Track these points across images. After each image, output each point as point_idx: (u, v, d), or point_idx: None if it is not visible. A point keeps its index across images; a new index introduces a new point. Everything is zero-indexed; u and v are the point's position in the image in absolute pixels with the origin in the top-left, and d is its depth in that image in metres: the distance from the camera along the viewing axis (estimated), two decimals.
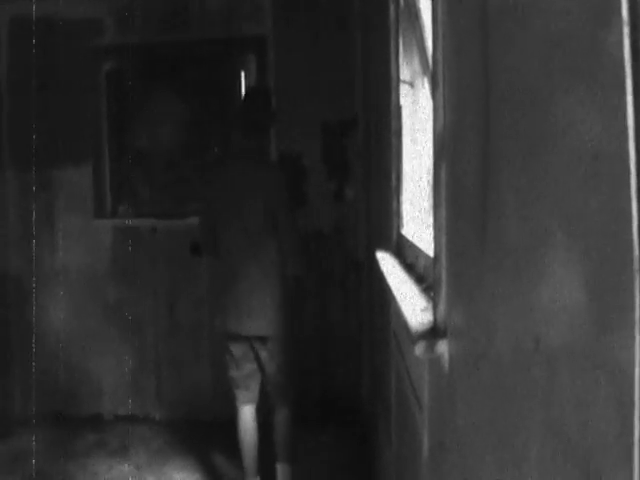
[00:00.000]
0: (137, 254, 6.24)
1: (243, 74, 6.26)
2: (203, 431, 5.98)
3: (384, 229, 3.76)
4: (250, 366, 4.59)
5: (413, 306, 1.97)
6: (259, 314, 4.42)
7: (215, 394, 6.11)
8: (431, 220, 1.84)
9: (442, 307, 1.70)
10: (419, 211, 3.11)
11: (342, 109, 5.97)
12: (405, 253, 2.96)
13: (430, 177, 1.92)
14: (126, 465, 5.46)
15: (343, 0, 5.95)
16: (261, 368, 4.60)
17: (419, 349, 1.65)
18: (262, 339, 4.47)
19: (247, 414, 4.63)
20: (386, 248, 3.45)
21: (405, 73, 3.27)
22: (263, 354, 4.52)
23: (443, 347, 1.66)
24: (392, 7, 3.33)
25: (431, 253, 2.25)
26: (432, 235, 1.83)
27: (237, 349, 4.56)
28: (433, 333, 1.70)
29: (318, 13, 5.98)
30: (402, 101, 3.26)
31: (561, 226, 0.85)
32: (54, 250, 6.32)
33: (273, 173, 4.63)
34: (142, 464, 5.47)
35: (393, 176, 3.27)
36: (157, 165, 6.41)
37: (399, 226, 3.22)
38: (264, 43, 6.03)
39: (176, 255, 6.14)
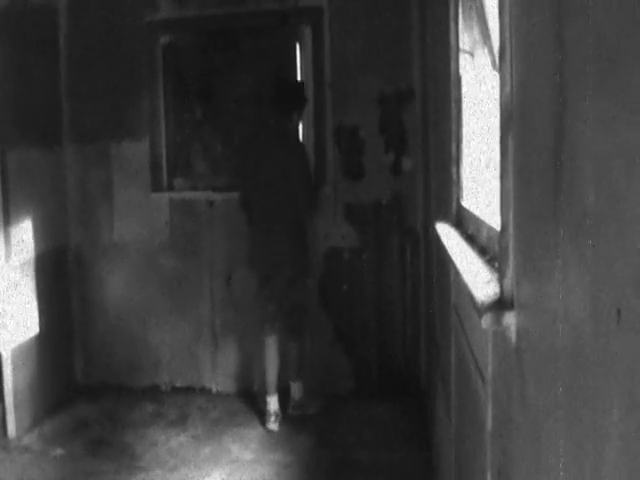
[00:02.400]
0: (194, 227, 6.27)
1: (298, 46, 6.22)
2: (259, 402, 6.01)
3: (443, 200, 3.71)
4: (274, 305, 5.66)
5: (477, 278, 1.94)
6: (280, 261, 5.57)
7: (266, 378, 6.13)
8: (497, 189, 1.80)
9: (509, 278, 1.67)
10: (479, 181, 3.06)
11: (399, 80, 5.91)
12: (466, 224, 2.92)
13: (495, 146, 1.87)
14: (183, 435, 5.52)
15: None
16: (280, 307, 5.69)
17: (485, 321, 1.62)
18: (284, 280, 5.62)
19: (271, 344, 5.71)
20: (446, 219, 3.41)
21: (465, 42, 3.21)
22: (282, 294, 5.64)
23: (510, 319, 1.63)
24: None
25: (494, 224, 2.23)
26: (498, 204, 1.79)
27: (266, 288, 5.65)
28: (500, 305, 1.67)
29: None
30: (462, 70, 3.21)
31: None
32: (112, 223, 6.38)
33: (297, 150, 5.58)
34: (199, 435, 5.52)
35: (453, 146, 3.22)
36: (214, 139, 6.41)
37: (459, 197, 3.18)
38: (320, 14, 5.98)
39: (233, 228, 6.14)
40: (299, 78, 6.15)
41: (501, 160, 1.73)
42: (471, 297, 1.80)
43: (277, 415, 5.64)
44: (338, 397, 6.05)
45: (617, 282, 0.93)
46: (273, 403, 5.66)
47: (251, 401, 6.12)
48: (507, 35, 1.66)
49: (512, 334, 1.63)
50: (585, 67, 1.08)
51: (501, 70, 1.71)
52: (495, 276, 1.91)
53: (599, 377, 1.02)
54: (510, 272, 1.67)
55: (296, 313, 5.74)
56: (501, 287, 1.71)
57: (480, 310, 1.64)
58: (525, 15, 1.52)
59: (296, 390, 5.81)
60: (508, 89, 1.66)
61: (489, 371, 1.99)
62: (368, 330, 6.15)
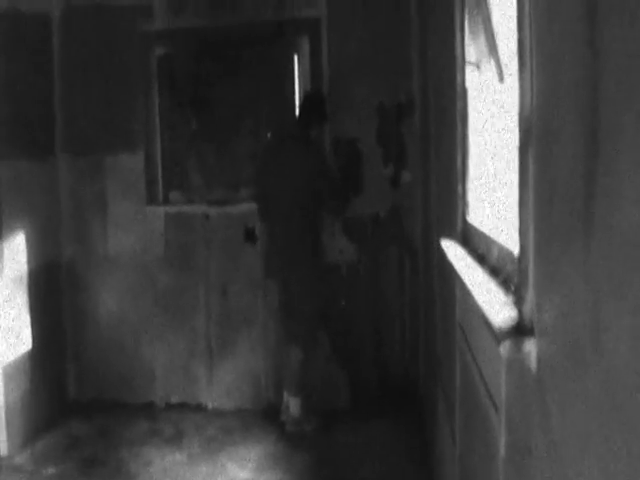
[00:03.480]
0: (190, 241, 6.19)
1: (296, 57, 6.15)
2: (256, 419, 5.91)
3: (447, 215, 3.62)
4: (292, 313, 5.67)
5: (491, 300, 1.84)
6: (290, 269, 5.60)
7: (268, 381, 6.04)
8: (506, 204, 1.71)
9: (529, 302, 1.58)
10: (486, 196, 2.97)
11: (398, 91, 5.85)
12: (473, 242, 2.83)
13: (503, 160, 1.79)
14: (179, 454, 5.41)
15: None
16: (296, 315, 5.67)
17: (504, 349, 1.53)
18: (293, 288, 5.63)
19: (292, 351, 5.67)
20: (450, 235, 3.32)
21: (471, 54, 3.13)
22: (287, 298, 5.68)
23: (531, 346, 1.54)
24: None
25: (504, 242, 2.14)
26: (516, 223, 1.70)
27: (281, 297, 5.76)
28: (519, 331, 1.58)
29: None
30: (468, 83, 3.12)
31: None
32: (106, 236, 6.30)
33: (313, 158, 5.51)
34: (195, 453, 5.42)
35: (458, 160, 3.14)
36: (209, 151, 6.33)
37: (464, 212, 3.09)
38: (318, 25, 5.91)
39: (229, 241, 6.08)
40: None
41: (520, 177, 1.64)
42: (487, 321, 1.71)
43: (296, 419, 5.69)
44: (336, 413, 5.95)
45: None
46: (294, 406, 5.69)
47: (247, 418, 6.01)
48: (527, 43, 1.57)
49: (532, 362, 1.54)
50: (624, 76, 0.99)
51: (520, 81, 1.62)
52: (511, 299, 1.82)
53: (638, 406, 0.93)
54: (530, 296, 1.58)
55: (297, 316, 5.66)
56: (520, 312, 1.62)
57: (499, 336, 1.55)
58: (549, 22, 1.43)
59: (294, 406, 5.70)
60: (528, 101, 1.57)
61: (503, 398, 1.90)
62: (366, 345, 6.09)
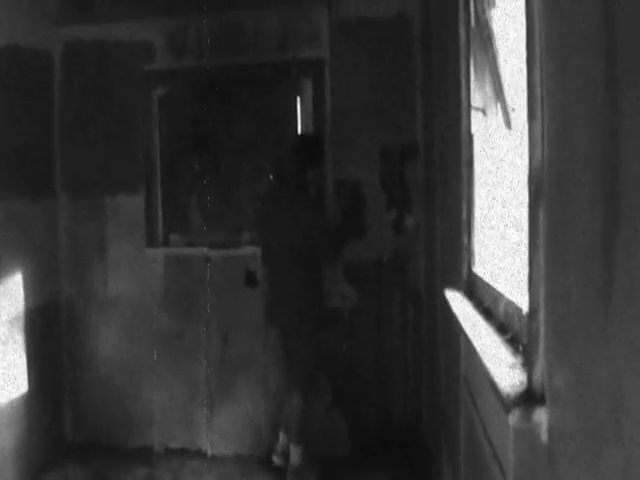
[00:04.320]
0: (190, 284, 6.09)
1: (299, 99, 6.10)
2: (256, 466, 5.78)
3: (451, 264, 3.53)
4: (295, 360, 5.53)
5: (498, 361, 1.74)
6: (298, 314, 5.43)
7: (268, 428, 5.92)
8: (524, 265, 1.61)
9: (539, 367, 1.48)
10: (494, 248, 2.88)
11: (402, 134, 5.78)
12: (479, 294, 2.73)
13: (521, 213, 1.70)
14: None
15: (403, 22, 5.77)
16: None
17: (513, 418, 1.43)
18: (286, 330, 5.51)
19: (295, 398, 5.52)
20: (455, 286, 3.22)
21: (477, 99, 3.05)
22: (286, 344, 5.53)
23: (542, 416, 1.43)
24: (463, 28, 3.12)
25: (515, 298, 2.04)
26: (526, 283, 1.60)
27: (286, 344, 5.56)
28: (528, 398, 1.47)
29: (377, 36, 5.80)
30: (473, 129, 3.04)
31: None
32: (105, 278, 6.21)
33: (313, 204, 5.53)
34: None
35: (463, 208, 3.05)
36: (211, 193, 6.27)
37: (470, 263, 2.99)
38: (321, 66, 5.86)
39: (230, 285, 5.99)
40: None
41: (530, 235, 1.55)
42: (494, 385, 1.61)
43: (285, 453, 5.63)
44: (337, 460, 5.82)
45: None
46: (295, 454, 5.56)
47: (247, 465, 5.87)
48: (538, 94, 1.48)
49: (543, 433, 1.44)
50: None
51: (530, 133, 1.53)
52: (519, 359, 1.72)
53: None
54: (540, 361, 1.47)
55: (310, 368, 5.55)
56: (529, 377, 1.52)
57: (507, 405, 1.45)
58: (561, 72, 1.34)
59: (295, 455, 5.57)
60: (539, 154, 1.48)
61: (510, 466, 1.79)
62: (368, 391, 5.97)
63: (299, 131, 6.05)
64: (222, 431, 6.14)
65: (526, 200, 1.59)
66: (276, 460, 5.63)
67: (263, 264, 5.74)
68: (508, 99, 2.82)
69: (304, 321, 5.46)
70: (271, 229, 5.55)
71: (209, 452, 6.15)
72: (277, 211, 5.53)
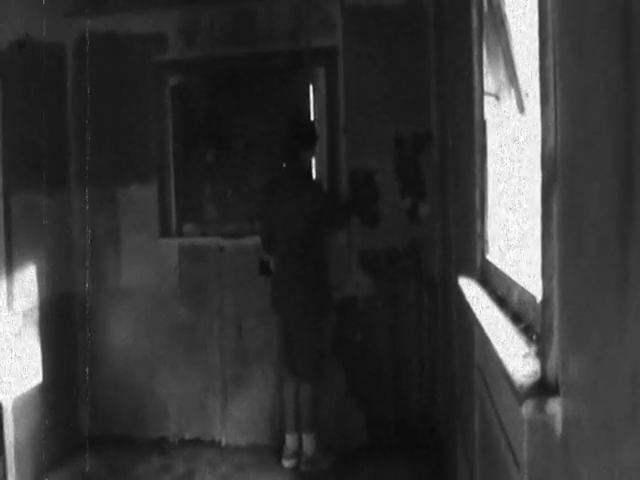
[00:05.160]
0: (204, 273, 6.09)
1: (312, 88, 6.07)
2: (270, 456, 5.77)
3: (465, 252, 3.49)
4: (291, 347, 5.62)
5: (512, 351, 1.71)
6: (294, 303, 5.52)
7: (283, 418, 5.90)
8: (537, 252, 1.57)
9: (553, 357, 1.45)
10: (508, 235, 2.84)
11: (416, 123, 5.74)
12: (493, 282, 2.69)
13: (534, 202, 1.66)
14: None
15: (416, 9, 5.72)
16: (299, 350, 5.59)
17: (526, 409, 1.40)
18: (297, 322, 5.55)
19: (288, 385, 5.70)
20: (469, 274, 3.18)
21: (490, 84, 3.01)
22: (298, 335, 5.56)
23: (555, 407, 1.40)
24: (475, 13, 3.07)
25: (529, 285, 2.01)
26: (540, 270, 1.56)
27: (284, 329, 5.64)
28: (542, 389, 1.44)
29: (390, 23, 5.75)
30: (486, 114, 3.00)
31: None
32: (119, 269, 6.22)
33: (311, 188, 5.54)
34: None
35: (477, 195, 3.01)
36: (224, 183, 6.25)
37: (484, 251, 2.96)
38: (334, 55, 5.83)
39: (244, 274, 5.97)
40: (310, 117, 6.04)
41: (543, 222, 1.51)
42: (507, 375, 1.58)
43: (294, 453, 5.65)
44: (352, 451, 5.80)
45: None
46: (290, 441, 5.68)
47: (262, 455, 5.86)
48: (551, 77, 1.44)
49: (557, 424, 1.40)
50: None
51: (543, 118, 1.49)
52: (533, 349, 1.69)
53: None
54: (554, 351, 1.44)
55: (311, 356, 5.58)
56: (543, 367, 1.49)
57: (520, 395, 1.42)
58: (576, 53, 1.30)
59: (308, 444, 5.60)
60: (552, 140, 1.44)
61: (524, 457, 1.76)
62: (383, 381, 5.94)
63: (316, 120, 6.01)
64: (236, 421, 6.15)
65: (539, 187, 1.55)
66: (287, 463, 5.63)
67: (266, 252, 5.78)
68: (521, 84, 2.78)
69: (307, 309, 5.50)
70: (274, 216, 5.60)
71: (223, 442, 6.14)
72: (279, 198, 5.58)
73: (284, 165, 5.74)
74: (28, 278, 5.49)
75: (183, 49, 6.03)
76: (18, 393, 5.32)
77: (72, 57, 6.15)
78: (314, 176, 6.02)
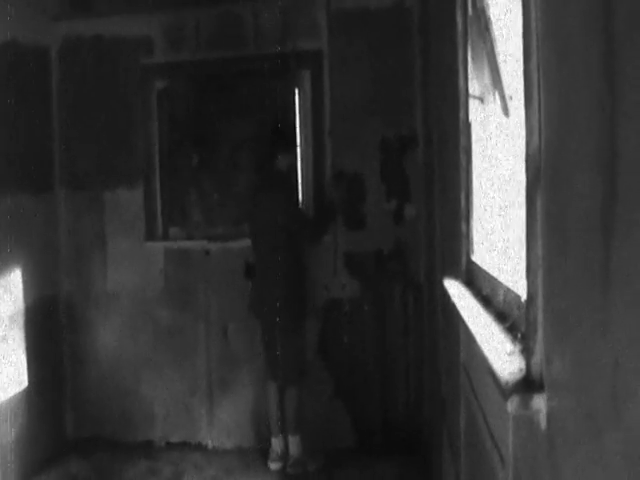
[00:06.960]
0: (189, 277, 6.10)
1: (297, 91, 6.08)
2: (257, 458, 5.78)
3: (450, 253, 3.52)
4: (272, 351, 5.58)
5: (497, 349, 1.73)
6: (273, 307, 5.46)
7: (268, 421, 5.91)
8: (522, 252, 1.60)
9: (538, 354, 1.47)
10: (492, 236, 2.86)
11: (401, 125, 5.77)
12: (478, 283, 2.72)
13: (519, 200, 1.69)
14: None
15: (401, 12, 5.75)
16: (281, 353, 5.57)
17: (512, 405, 1.42)
18: (277, 326, 5.52)
19: (271, 388, 5.70)
20: (454, 275, 3.21)
21: (474, 87, 3.04)
22: (278, 339, 5.54)
23: (540, 403, 1.42)
24: (460, 17, 3.10)
25: (513, 285, 2.03)
26: (524, 270, 1.59)
27: (265, 334, 5.66)
28: (527, 385, 1.47)
29: (375, 27, 5.78)
30: (471, 117, 3.02)
31: None
32: (105, 273, 6.21)
33: (286, 196, 5.57)
34: None
35: (462, 196, 3.03)
36: (210, 186, 6.25)
37: (469, 251, 2.98)
38: (319, 58, 5.85)
39: (230, 278, 5.99)
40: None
41: (527, 222, 1.54)
42: (492, 373, 1.60)
43: (280, 456, 5.67)
44: (338, 453, 5.81)
45: None
46: (276, 444, 5.68)
47: (248, 458, 5.87)
48: (535, 78, 1.47)
49: (542, 419, 1.43)
50: None
51: (527, 119, 1.52)
52: (518, 347, 1.71)
53: None
54: (539, 348, 1.47)
55: (294, 359, 5.58)
56: (528, 364, 1.51)
57: (505, 392, 1.44)
58: (559, 55, 1.33)
59: (294, 446, 5.61)
60: (536, 140, 1.46)
61: (510, 452, 1.79)
62: (369, 383, 5.96)
63: (302, 124, 6.03)
64: (223, 424, 6.16)
65: (524, 187, 1.58)
66: (273, 466, 5.65)
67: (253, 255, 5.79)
68: (505, 87, 2.81)
69: (287, 313, 5.50)
70: (254, 221, 5.64)
71: (210, 445, 6.15)
72: (258, 202, 5.61)
73: (262, 171, 5.81)
74: (13, 282, 5.48)
75: (169, 52, 6.04)
76: (4, 397, 5.31)
77: (57, 60, 6.14)
78: (299, 180, 6.04)
